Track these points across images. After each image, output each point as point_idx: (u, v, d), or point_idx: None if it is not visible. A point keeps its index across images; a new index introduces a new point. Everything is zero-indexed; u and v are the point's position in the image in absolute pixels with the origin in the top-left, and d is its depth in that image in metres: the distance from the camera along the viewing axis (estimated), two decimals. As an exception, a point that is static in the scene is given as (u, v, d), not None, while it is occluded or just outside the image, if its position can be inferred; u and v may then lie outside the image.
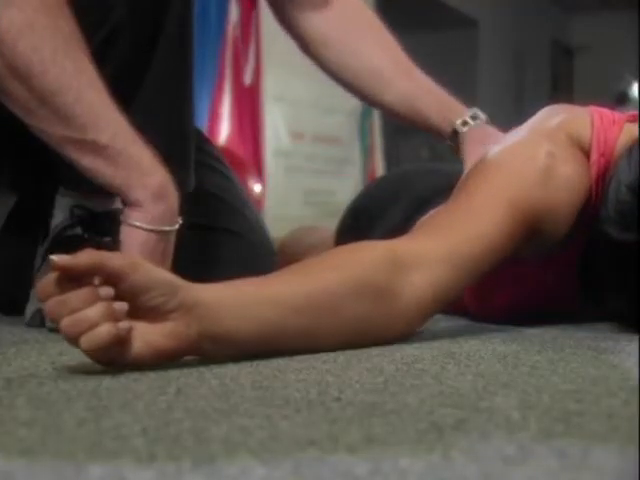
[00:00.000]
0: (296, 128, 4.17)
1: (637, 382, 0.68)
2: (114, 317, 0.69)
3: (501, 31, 6.82)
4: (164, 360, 0.73)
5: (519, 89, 7.05)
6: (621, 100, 6.43)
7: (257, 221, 1.36)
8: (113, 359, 0.71)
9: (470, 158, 1.25)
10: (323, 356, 0.81)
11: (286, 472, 0.42)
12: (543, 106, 1.15)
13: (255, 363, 0.76)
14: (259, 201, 3.61)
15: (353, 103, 4.51)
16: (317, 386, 0.66)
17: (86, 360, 0.72)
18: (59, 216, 1.09)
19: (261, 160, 3.79)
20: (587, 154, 1.04)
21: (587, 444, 0.48)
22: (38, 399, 0.61)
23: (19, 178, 1.16)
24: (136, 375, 0.70)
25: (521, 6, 7.07)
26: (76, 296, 0.68)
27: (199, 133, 1.33)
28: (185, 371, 0.72)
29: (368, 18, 1.38)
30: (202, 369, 0.73)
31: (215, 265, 1.22)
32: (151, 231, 0.96)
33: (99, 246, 1.07)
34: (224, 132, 3.57)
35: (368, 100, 1.39)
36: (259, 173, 3.74)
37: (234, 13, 3.62)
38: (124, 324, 0.69)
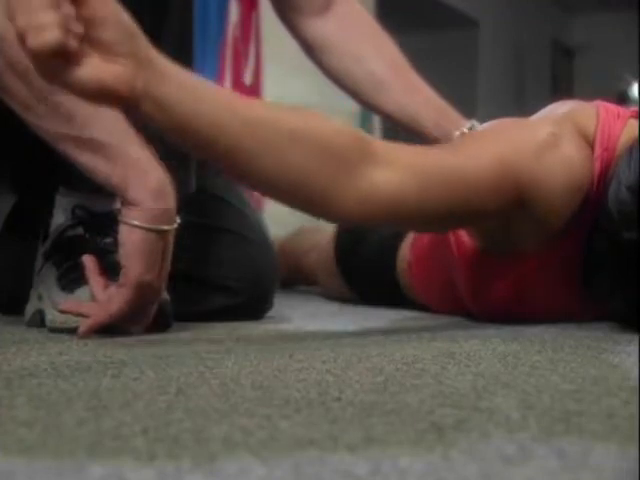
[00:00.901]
0: (296, 128, 4.17)
1: (637, 382, 0.68)
2: (67, 30, 0.69)
3: (501, 31, 6.82)
4: (103, 101, 0.73)
5: (519, 89, 7.05)
6: (621, 100, 6.43)
7: (257, 221, 1.36)
8: (54, 74, 0.71)
9: None
10: (323, 356, 0.81)
11: (286, 472, 0.42)
12: (543, 106, 1.15)
13: (255, 363, 0.77)
14: (259, 201, 3.61)
15: (353, 103, 4.52)
16: (317, 386, 0.66)
17: (86, 360, 0.72)
18: (60, 216, 1.09)
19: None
20: (591, 146, 1.04)
21: (587, 444, 0.48)
22: (38, 399, 0.61)
23: (19, 178, 1.16)
24: (136, 375, 0.70)
25: (521, 6, 7.07)
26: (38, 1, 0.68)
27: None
28: (185, 371, 0.72)
29: (369, 24, 1.39)
30: (202, 369, 0.73)
31: (215, 265, 1.22)
32: (149, 230, 0.96)
33: (100, 247, 1.07)
34: (224, 132, 3.57)
35: (368, 106, 1.39)
36: (259, 173, 3.74)
37: (234, 13, 3.63)
38: (75, 41, 0.70)
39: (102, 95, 0.73)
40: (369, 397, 0.61)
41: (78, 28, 0.70)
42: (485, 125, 1.05)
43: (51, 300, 1.06)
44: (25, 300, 1.12)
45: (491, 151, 0.96)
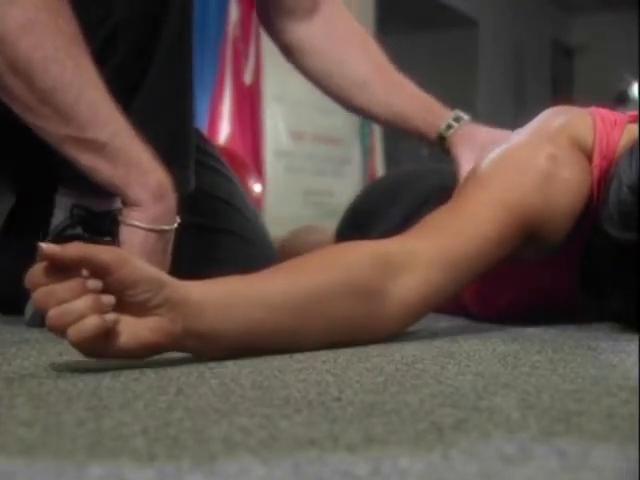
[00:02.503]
0: (296, 128, 4.17)
1: (637, 382, 0.68)
2: (101, 309, 0.69)
3: (501, 31, 6.82)
4: (149, 354, 0.73)
5: (519, 89, 7.05)
6: (621, 100, 6.43)
7: (257, 221, 1.36)
8: (99, 351, 0.71)
9: (461, 160, 1.25)
10: (323, 356, 0.81)
11: (286, 472, 0.42)
12: (543, 106, 1.15)
13: (255, 363, 0.76)
14: (259, 201, 3.61)
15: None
16: (317, 386, 0.66)
17: (86, 360, 0.72)
18: (59, 216, 1.09)
19: (261, 160, 3.79)
20: (589, 156, 1.04)
21: (587, 444, 0.48)
22: (38, 399, 0.61)
23: (19, 178, 1.16)
24: (136, 375, 0.70)
25: (521, 6, 7.07)
26: (64, 287, 0.69)
27: (199, 133, 1.33)
28: (185, 371, 0.72)
29: (353, 28, 1.39)
30: (202, 369, 0.73)
31: (215, 265, 1.22)
32: (150, 230, 0.96)
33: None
34: (224, 132, 3.57)
35: (352, 109, 1.39)
36: (259, 173, 3.74)
37: (234, 13, 3.62)
38: (111, 316, 0.70)
39: (147, 350, 0.73)
40: (369, 397, 0.61)
41: (109, 299, 0.70)
42: (481, 165, 1.04)
43: (51, 300, 1.06)
44: (25, 300, 1.12)
45: (497, 205, 0.97)
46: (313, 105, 4.15)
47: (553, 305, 1.15)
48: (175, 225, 0.99)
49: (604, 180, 1.03)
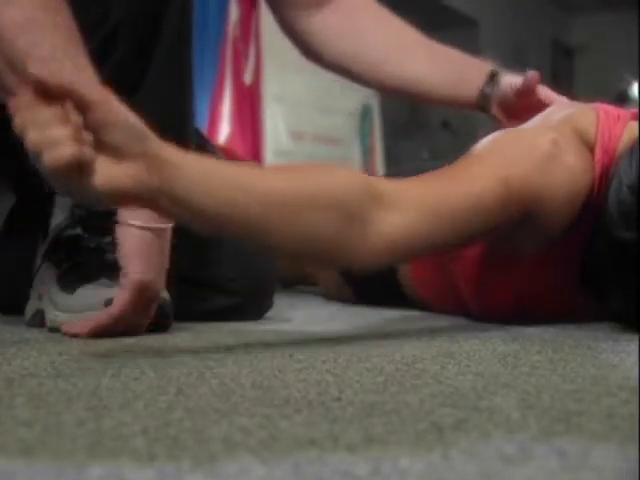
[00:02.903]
0: (296, 128, 4.17)
1: (637, 382, 0.68)
2: (80, 140, 0.70)
3: (501, 31, 6.82)
4: (120, 202, 0.74)
5: (519, 89, 7.04)
6: (621, 100, 6.43)
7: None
8: (72, 186, 0.71)
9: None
10: (323, 356, 0.81)
11: (286, 472, 0.42)
12: (543, 106, 1.15)
13: (255, 363, 0.77)
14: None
15: (353, 103, 4.52)
16: (317, 386, 0.66)
17: (86, 360, 0.72)
18: (59, 216, 1.09)
19: (261, 160, 3.79)
20: (591, 150, 1.04)
21: (587, 444, 0.48)
22: (38, 399, 0.61)
23: (19, 178, 1.16)
24: (136, 375, 0.70)
25: (521, 6, 7.07)
26: (47, 112, 0.69)
27: (199, 133, 1.33)
28: (185, 371, 0.72)
29: (373, 7, 1.37)
30: (202, 369, 0.73)
31: (215, 265, 1.22)
32: (146, 229, 0.96)
33: (99, 247, 1.07)
34: (224, 132, 3.58)
35: (386, 82, 1.36)
36: (259, 173, 3.73)
37: (234, 13, 3.63)
38: (89, 150, 0.70)
39: (119, 197, 0.73)
40: (369, 397, 0.61)
41: (88, 136, 0.71)
42: (484, 141, 1.04)
43: (51, 300, 1.06)
44: (25, 300, 1.12)
45: (495, 172, 0.96)
46: (313, 105, 4.16)
47: (553, 305, 1.15)
48: (172, 224, 0.99)
49: (605, 176, 1.03)
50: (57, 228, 1.09)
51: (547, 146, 1.00)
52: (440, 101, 1.33)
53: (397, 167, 4.30)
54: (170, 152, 0.76)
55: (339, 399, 0.61)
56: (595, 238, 1.05)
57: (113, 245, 1.01)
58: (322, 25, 1.34)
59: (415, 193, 0.91)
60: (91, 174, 0.71)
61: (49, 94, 0.70)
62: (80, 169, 0.70)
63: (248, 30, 3.64)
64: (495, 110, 1.30)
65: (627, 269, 1.01)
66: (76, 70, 0.93)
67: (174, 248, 1.01)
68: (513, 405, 0.59)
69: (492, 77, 1.29)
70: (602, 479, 0.41)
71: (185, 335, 1.01)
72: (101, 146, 0.72)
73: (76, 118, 0.70)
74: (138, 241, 0.96)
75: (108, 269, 1.03)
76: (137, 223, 0.96)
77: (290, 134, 4.13)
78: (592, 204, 1.03)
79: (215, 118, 3.55)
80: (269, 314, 1.26)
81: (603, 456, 0.45)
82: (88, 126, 0.71)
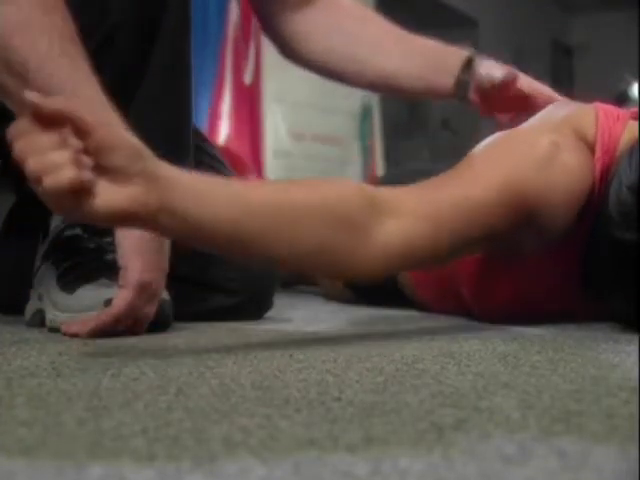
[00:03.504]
0: (296, 128, 4.17)
1: (637, 382, 0.68)
2: (80, 164, 0.70)
3: (501, 31, 6.82)
4: (121, 223, 0.74)
5: (519, 89, 7.04)
6: (621, 100, 6.43)
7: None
8: (72, 210, 0.72)
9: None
10: (323, 356, 0.81)
11: (286, 472, 0.42)
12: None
13: (255, 363, 0.77)
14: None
15: (353, 103, 4.52)
16: (317, 386, 0.66)
17: (86, 360, 0.72)
18: (59, 216, 1.09)
19: (261, 160, 3.79)
20: (591, 149, 1.04)
21: (587, 444, 0.48)
22: (38, 399, 0.61)
23: (19, 178, 1.16)
24: (136, 375, 0.70)
25: (521, 6, 7.06)
26: (46, 138, 0.70)
27: (199, 133, 1.33)
28: (185, 371, 0.72)
29: (352, 4, 1.37)
30: (202, 369, 0.73)
31: (215, 265, 1.22)
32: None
33: (99, 247, 1.07)
34: (224, 132, 3.57)
35: (372, 78, 1.35)
36: (259, 173, 3.74)
37: (234, 13, 3.63)
38: (88, 174, 0.70)
39: (119, 219, 0.74)
40: (369, 397, 0.61)
41: (87, 160, 0.71)
42: (483, 144, 1.04)
43: (51, 300, 1.06)
44: (25, 300, 1.12)
45: (495, 175, 0.96)
46: (313, 105, 4.15)
47: (553, 305, 1.15)
48: None
49: (605, 176, 1.03)
50: (57, 228, 1.10)
51: (547, 148, 1.00)
52: (418, 92, 1.33)
53: (397, 167, 4.30)
54: (167, 169, 0.76)
55: (339, 399, 0.61)
56: (595, 238, 1.05)
57: (113, 245, 1.01)
58: (303, 23, 1.34)
59: (414, 200, 0.91)
60: (91, 197, 0.71)
61: (47, 119, 0.70)
62: (80, 193, 0.70)
63: (248, 30, 3.64)
64: (473, 97, 1.29)
65: (627, 269, 1.01)
66: (73, 69, 0.93)
67: (174, 248, 1.01)
68: (513, 405, 0.58)
69: (468, 63, 1.28)
70: (602, 479, 0.41)
71: (185, 335, 1.01)
72: (101, 169, 0.72)
73: (75, 142, 0.70)
74: (137, 241, 0.96)
75: (108, 269, 1.03)
76: None
77: (290, 134, 4.13)
78: (592, 204, 1.03)
79: (215, 118, 3.55)
80: (269, 314, 1.26)
81: (603, 456, 0.45)
82: (87, 150, 0.71)
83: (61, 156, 0.69)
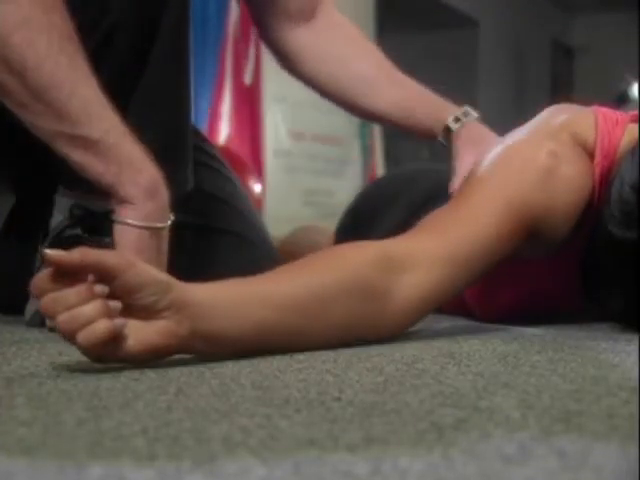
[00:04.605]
0: (296, 128, 4.17)
1: (637, 382, 0.68)
2: (109, 314, 0.69)
3: (501, 31, 6.82)
4: (156, 357, 0.74)
5: (519, 89, 7.05)
6: (621, 100, 6.43)
7: (257, 221, 1.36)
8: (107, 356, 0.71)
9: (461, 157, 1.25)
10: (323, 356, 0.81)
11: (286, 472, 0.42)
12: (543, 106, 1.14)
13: (255, 363, 0.76)
14: (259, 201, 3.61)
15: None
16: (317, 386, 0.66)
17: (86, 360, 0.72)
18: (59, 216, 1.09)
19: (261, 160, 3.79)
20: (590, 154, 1.04)
21: (587, 444, 0.48)
22: (38, 399, 0.61)
23: (19, 178, 1.16)
24: (136, 375, 0.70)
25: (521, 6, 7.07)
26: (72, 293, 0.69)
27: (198, 133, 1.33)
28: (185, 371, 0.72)
29: (352, 30, 1.39)
30: (202, 369, 0.73)
31: (215, 266, 1.22)
32: (143, 228, 0.96)
33: (99, 246, 1.07)
34: (224, 132, 3.57)
35: (355, 109, 1.38)
36: (259, 173, 3.74)
37: (234, 13, 3.62)
38: (119, 321, 0.70)
39: (153, 354, 0.73)
40: (369, 397, 0.61)
41: (116, 304, 0.71)
42: (482, 161, 1.04)
43: (51, 300, 1.06)
44: (25, 300, 1.12)
45: (496, 199, 0.97)
46: (313, 105, 4.15)
47: (553, 305, 1.15)
48: (169, 222, 0.99)
49: (605, 180, 1.03)
50: (57, 228, 1.09)
51: (545, 160, 1.00)
52: (413, 128, 1.34)
53: (397, 167, 4.30)
54: (194, 293, 0.75)
55: (339, 399, 0.61)
56: (595, 239, 1.05)
57: (113, 245, 1.00)
58: (296, 44, 1.35)
59: (423, 248, 0.92)
60: (123, 340, 0.71)
61: (69, 271, 0.69)
62: (114, 340, 0.70)
63: (248, 30, 3.63)
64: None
65: (627, 269, 1.01)
66: (71, 68, 0.93)
67: (173, 247, 1.01)
68: (513, 405, 0.59)
69: (456, 120, 1.28)
70: (602, 479, 0.41)
71: (185, 335, 1.01)
72: (129, 308, 0.71)
73: (100, 289, 0.69)
74: (135, 240, 0.96)
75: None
76: (134, 222, 0.96)
77: (290, 134, 4.13)
78: (592, 208, 1.03)
79: (215, 118, 3.55)
80: (269, 314, 1.26)
81: (603, 456, 0.45)
82: (114, 293, 0.70)
83: (91, 310, 0.69)
